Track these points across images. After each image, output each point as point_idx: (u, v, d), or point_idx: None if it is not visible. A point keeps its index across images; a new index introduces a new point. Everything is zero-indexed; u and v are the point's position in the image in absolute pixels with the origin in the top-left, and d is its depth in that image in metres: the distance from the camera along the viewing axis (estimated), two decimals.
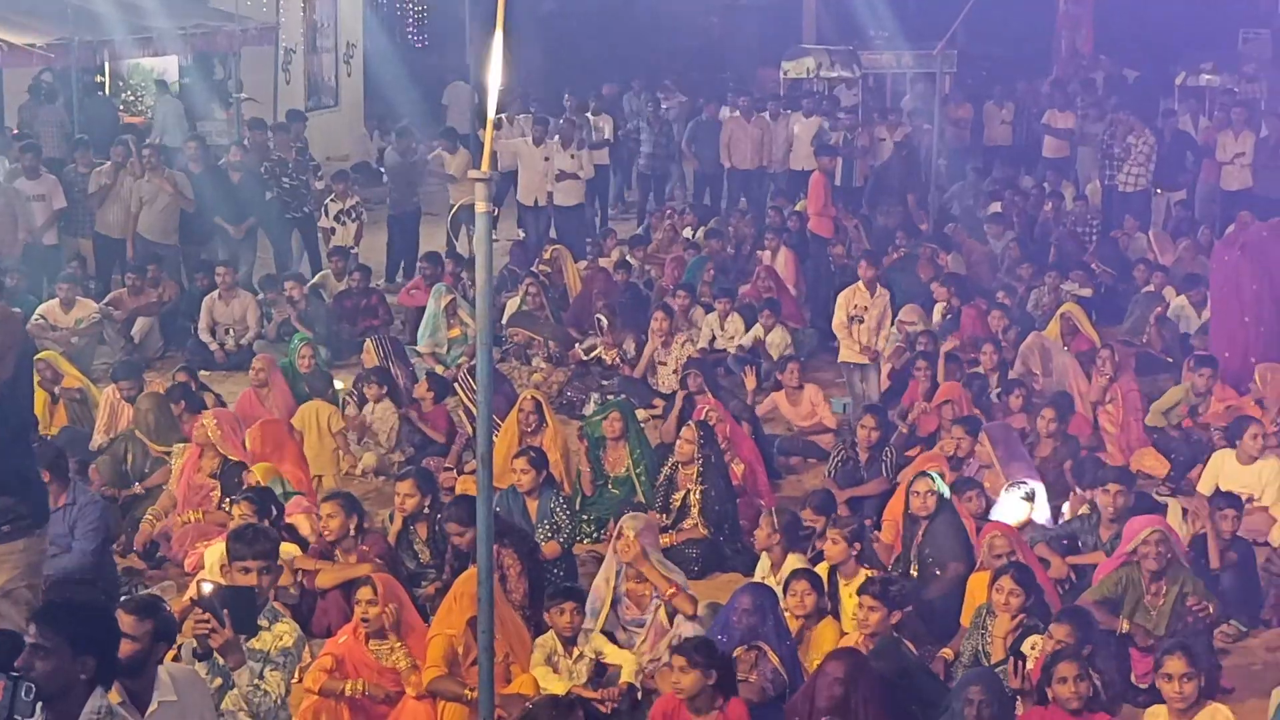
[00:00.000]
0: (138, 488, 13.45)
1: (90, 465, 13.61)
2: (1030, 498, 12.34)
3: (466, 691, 9.10)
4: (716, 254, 21.34)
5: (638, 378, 17.16)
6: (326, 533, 11.16)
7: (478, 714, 8.13)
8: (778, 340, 17.90)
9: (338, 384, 16.20)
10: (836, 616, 10.43)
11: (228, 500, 12.17)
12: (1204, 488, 13.40)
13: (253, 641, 8.36)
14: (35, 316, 17.32)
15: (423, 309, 18.45)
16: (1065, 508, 12.94)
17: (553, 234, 23.02)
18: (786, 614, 10.01)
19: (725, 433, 13.54)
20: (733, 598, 9.91)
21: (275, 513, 11.29)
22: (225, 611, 7.91)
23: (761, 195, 26.48)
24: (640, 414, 15.42)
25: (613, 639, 10.50)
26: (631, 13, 36.86)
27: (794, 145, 26.21)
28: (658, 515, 12.73)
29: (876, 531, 12.43)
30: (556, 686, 9.60)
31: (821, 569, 10.79)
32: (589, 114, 27.08)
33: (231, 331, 18.44)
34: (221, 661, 8.02)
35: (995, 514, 12.11)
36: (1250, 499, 13.08)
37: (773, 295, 19.21)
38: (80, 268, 19.88)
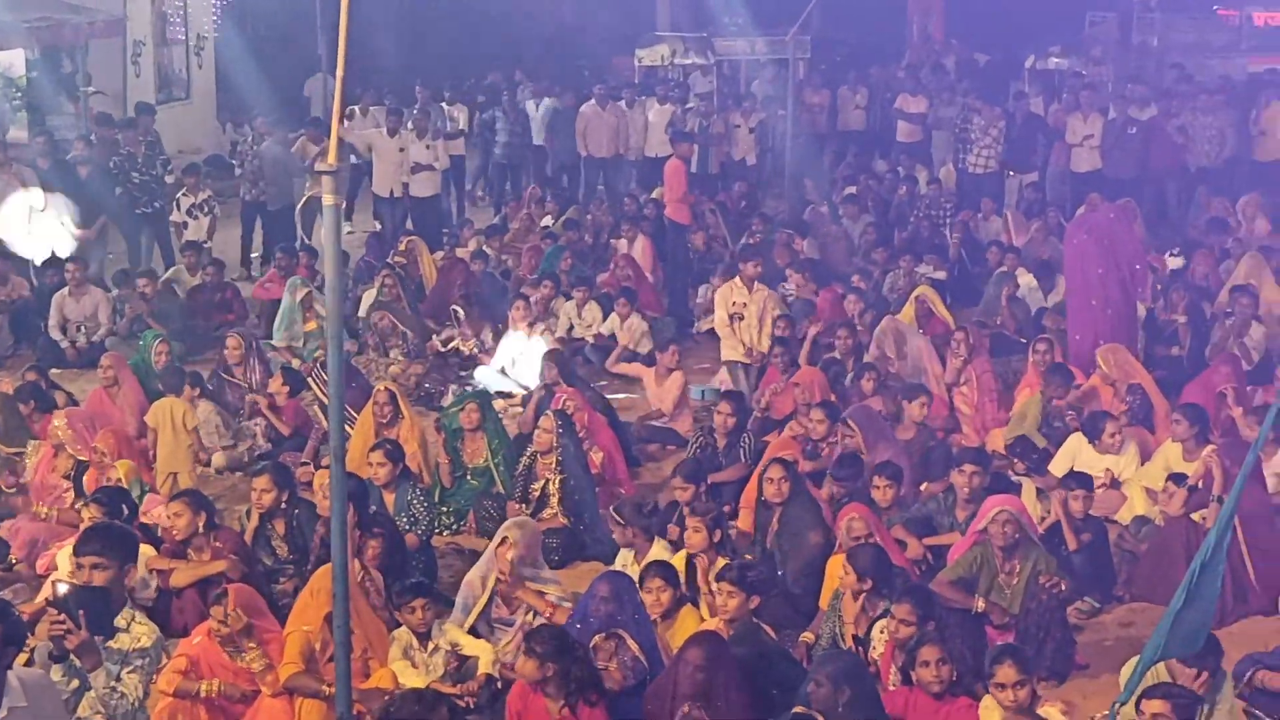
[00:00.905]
0: None
1: None
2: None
3: (324, 687, 9.03)
4: (574, 243, 21.34)
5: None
6: (175, 531, 11.02)
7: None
8: (633, 329, 17.91)
9: None
10: (696, 604, 10.45)
11: (80, 502, 12.00)
12: (1057, 469, 13.57)
13: (110, 643, 8.23)
14: None
15: (278, 302, 18.27)
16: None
17: (409, 225, 22.88)
18: (648, 609, 10.02)
19: (583, 422, 13.54)
20: (591, 586, 9.90)
21: (128, 512, 11.14)
22: (80, 613, 7.77)
23: (619, 183, 26.50)
24: (499, 404, 15.39)
25: (474, 631, 10.49)
26: (486, 3, 36.74)
27: (649, 133, 26.25)
28: (517, 505, 12.73)
29: (734, 521, 12.47)
30: (414, 680, 9.57)
31: (680, 557, 10.82)
32: (444, 104, 26.96)
33: (83, 329, 18.16)
34: (78, 663, 7.89)
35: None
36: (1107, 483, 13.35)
37: (630, 284, 19.24)
38: None
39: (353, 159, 22.72)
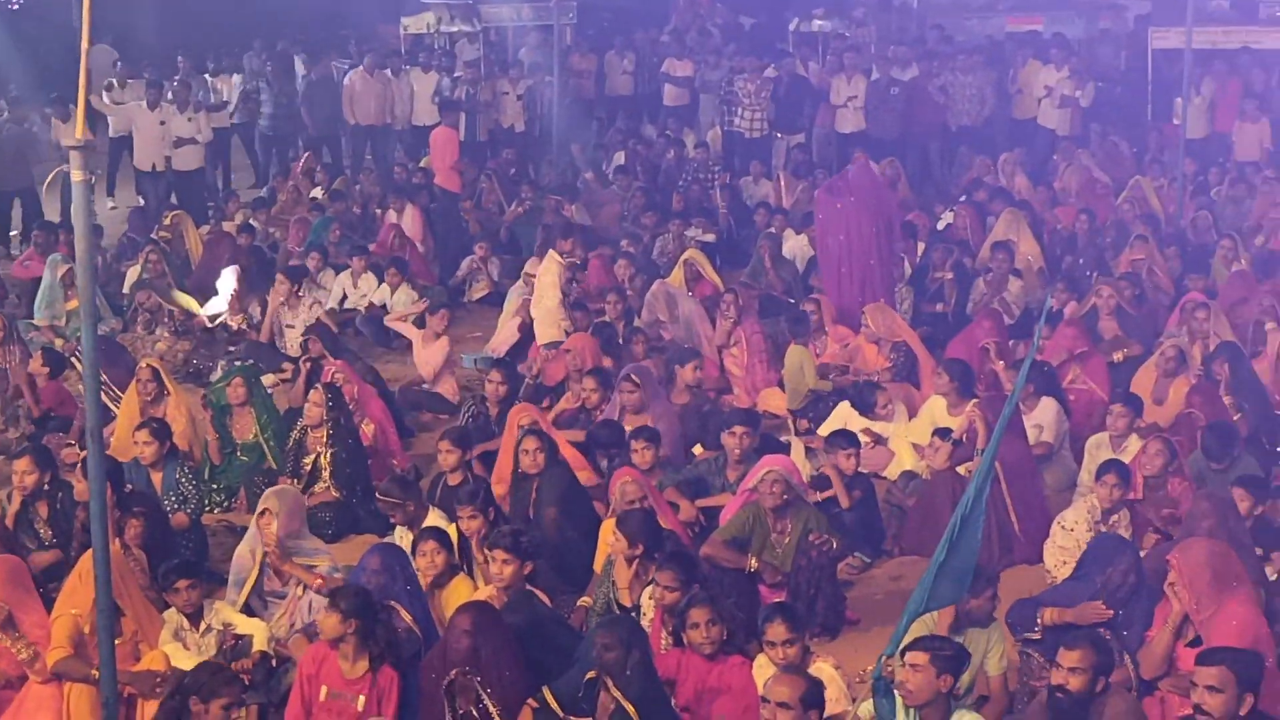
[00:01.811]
0: None
1: None
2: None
3: (93, 672, 8.85)
4: (342, 214, 21.12)
5: (264, 342, 16.88)
6: None
7: None
8: (404, 298, 17.79)
9: None
10: (469, 572, 10.43)
11: None
12: (825, 429, 13.75)
13: None
14: None
15: (38, 281, 17.84)
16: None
17: (173, 200, 22.47)
18: (418, 574, 9.99)
19: (353, 394, 13.43)
20: (363, 559, 9.82)
21: None
22: None
23: (387, 153, 26.27)
24: (269, 379, 15.20)
25: (249, 606, 10.37)
26: None
27: (416, 101, 26.04)
28: (289, 480, 12.59)
29: None
30: (186, 662, 9.41)
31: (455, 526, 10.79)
32: (207, 75, 26.51)
33: None
34: None
35: None
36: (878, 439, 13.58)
37: (400, 254, 19.11)
38: None
39: (111, 134, 22.29)
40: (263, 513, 10.55)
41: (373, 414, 13.55)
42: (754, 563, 10.61)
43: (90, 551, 9.23)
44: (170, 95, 22.87)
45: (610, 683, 8.24)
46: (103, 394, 11.23)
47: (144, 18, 29.80)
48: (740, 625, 9.39)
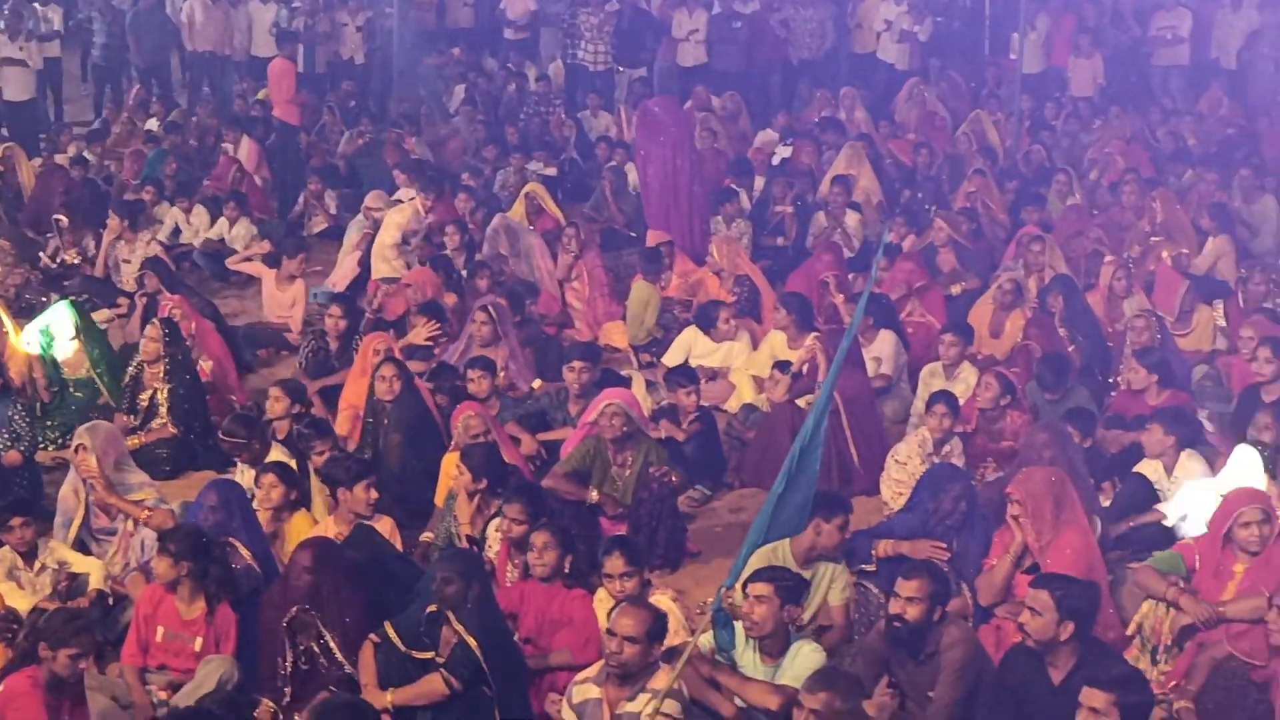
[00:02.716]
0: None
1: None
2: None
3: None
4: (178, 147, 20.77)
5: (99, 277, 16.59)
6: None
7: None
8: (242, 233, 17.57)
9: None
10: (309, 507, 10.37)
11: None
12: (671, 360, 13.80)
13: None
14: None
15: None
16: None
17: (4, 131, 21.99)
18: (257, 508, 9.91)
19: (190, 330, 13.23)
20: (200, 495, 9.72)
21: None
22: None
23: (225, 84, 25.84)
24: (105, 314, 14.97)
25: (81, 545, 10.23)
26: None
27: (254, 32, 25.60)
28: (125, 417, 12.40)
29: None
30: (21, 601, 9.30)
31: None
32: (36, 4, 25.91)
33: None
34: None
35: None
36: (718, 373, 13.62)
37: (238, 187, 18.85)
38: None
39: None
40: (77, 449, 10.38)
41: (211, 350, 13.35)
42: (595, 495, 10.65)
43: None
44: (1, 25, 22.32)
45: (451, 616, 8.23)
46: None
47: None
48: (582, 557, 9.43)
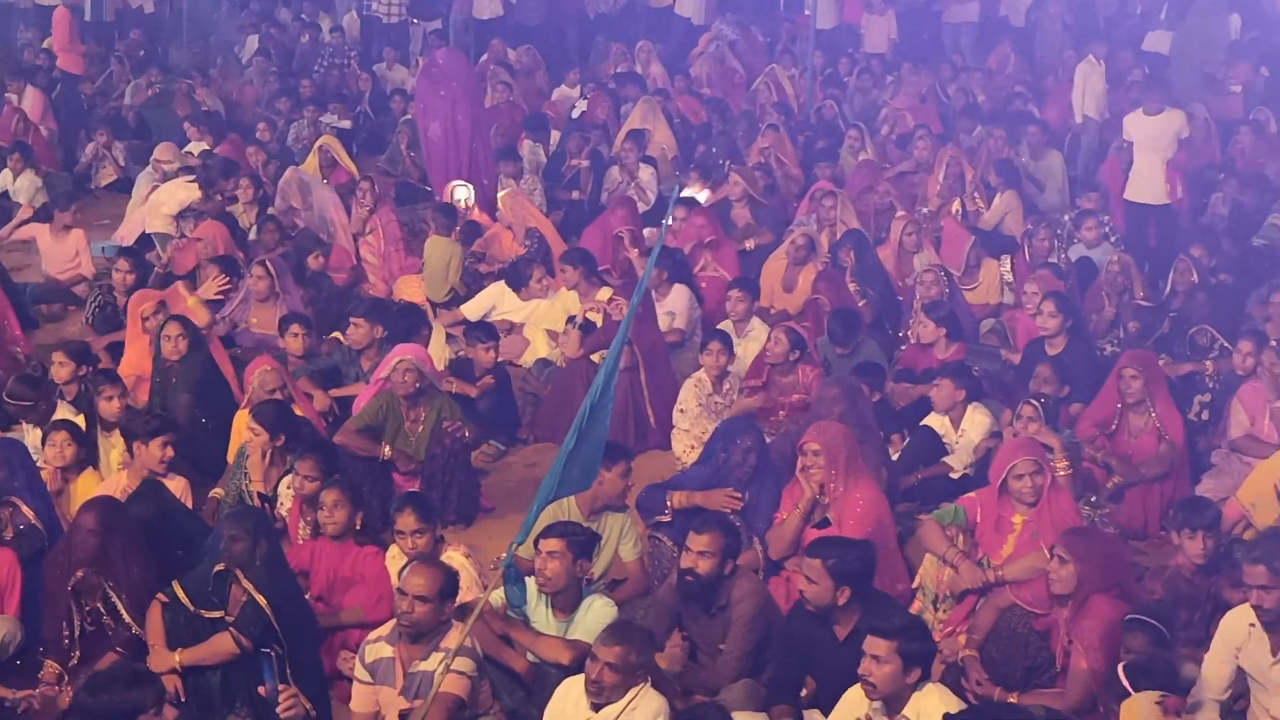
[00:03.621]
0: None
1: None
2: None
3: None
4: None
5: None
6: None
7: None
8: (26, 185, 17.16)
9: None
10: (96, 466, 10.20)
11: None
12: (472, 312, 13.78)
13: None
14: None
15: None
16: None
17: None
18: (44, 466, 9.73)
19: None
20: None
21: None
22: None
23: (9, 32, 25.21)
24: None
25: None
26: None
27: None
28: None
29: None
30: None
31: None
32: None
33: None
34: None
35: None
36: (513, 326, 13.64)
37: (23, 138, 18.42)
38: None
39: None
40: None
41: None
42: (387, 451, 10.59)
43: None
44: None
45: (240, 574, 8.13)
46: None
47: None
48: (374, 514, 9.38)
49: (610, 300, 12.82)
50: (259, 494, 9.98)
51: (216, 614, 8.24)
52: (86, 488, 9.77)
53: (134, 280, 13.43)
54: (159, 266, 14.29)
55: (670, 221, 10.51)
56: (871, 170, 17.09)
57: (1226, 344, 12.40)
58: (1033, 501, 9.21)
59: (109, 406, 10.54)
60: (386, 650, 7.84)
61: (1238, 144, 18.60)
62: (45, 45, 22.31)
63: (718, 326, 12.95)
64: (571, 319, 12.76)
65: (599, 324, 12.64)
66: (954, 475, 10.82)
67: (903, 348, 13.29)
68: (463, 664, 7.57)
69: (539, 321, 13.68)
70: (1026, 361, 12.24)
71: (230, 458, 10.65)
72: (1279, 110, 19.61)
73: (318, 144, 17.64)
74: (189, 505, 9.77)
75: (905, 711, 7.21)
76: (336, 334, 12.82)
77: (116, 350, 12.58)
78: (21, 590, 8.62)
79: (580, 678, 7.48)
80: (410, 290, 14.75)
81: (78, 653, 8.52)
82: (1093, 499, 10.55)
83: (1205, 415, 12.15)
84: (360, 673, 7.91)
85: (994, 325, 13.84)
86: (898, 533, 9.68)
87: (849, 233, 14.64)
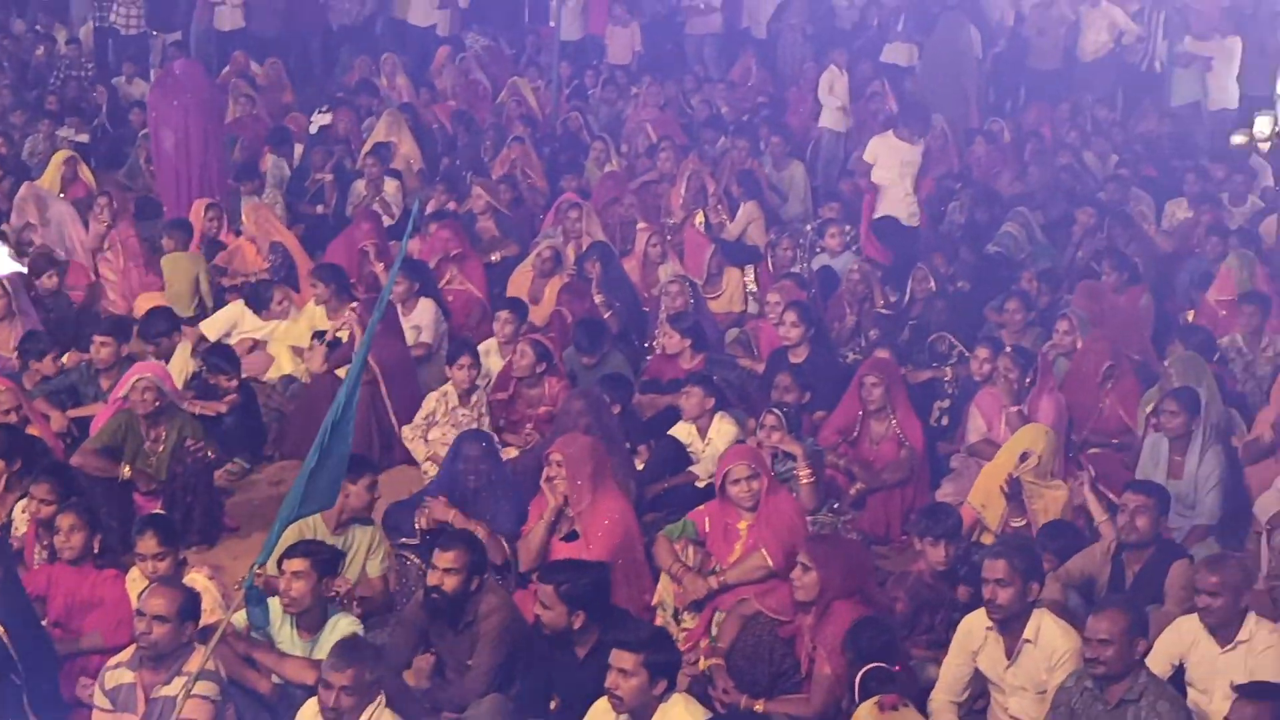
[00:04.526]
0: None
1: None
2: None
3: None
4: None
5: None
6: None
7: None
8: None
9: None
10: None
11: None
12: (211, 332, 13.61)
13: None
14: None
15: None
16: None
17: None
18: None
19: None
20: None
21: None
22: None
23: None
24: None
25: None
26: None
27: None
28: None
29: None
30: None
31: None
32: None
33: None
34: None
35: None
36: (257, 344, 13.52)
37: None
38: None
39: None
40: None
41: None
42: (127, 471, 10.41)
43: None
44: None
45: None
46: None
47: None
48: (114, 536, 9.22)
49: (350, 310, 12.71)
50: None
51: None
52: None
53: None
54: None
55: (409, 236, 10.36)
56: (617, 182, 17.16)
57: (965, 350, 12.69)
58: (751, 506, 9.33)
59: None
60: (127, 676, 7.71)
61: (973, 153, 19.08)
62: None
63: (480, 346, 12.91)
64: (319, 334, 12.64)
65: (343, 339, 12.56)
66: (700, 484, 10.91)
67: (649, 358, 13.40)
68: (205, 688, 7.48)
69: (283, 338, 13.52)
70: (769, 370, 12.42)
71: None
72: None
73: (55, 158, 17.24)
74: None
75: None
76: (75, 352, 12.56)
77: None
78: None
79: None
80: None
81: None
82: (835, 505, 10.76)
83: (945, 421, 12.45)
84: (100, 700, 7.77)
85: (738, 335, 13.98)
86: (644, 544, 9.75)
87: (594, 245, 14.69)
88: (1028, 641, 8.13)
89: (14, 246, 14.52)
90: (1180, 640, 8.26)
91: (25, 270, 13.92)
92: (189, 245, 14.89)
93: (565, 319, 13.10)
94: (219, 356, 12.24)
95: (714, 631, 9.05)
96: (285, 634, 8.32)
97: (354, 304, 12.87)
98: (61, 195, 16.29)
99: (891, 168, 16.40)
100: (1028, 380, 11.54)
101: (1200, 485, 10.52)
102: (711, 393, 11.34)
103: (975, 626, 8.34)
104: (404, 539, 9.82)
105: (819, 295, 14.36)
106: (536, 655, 8.28)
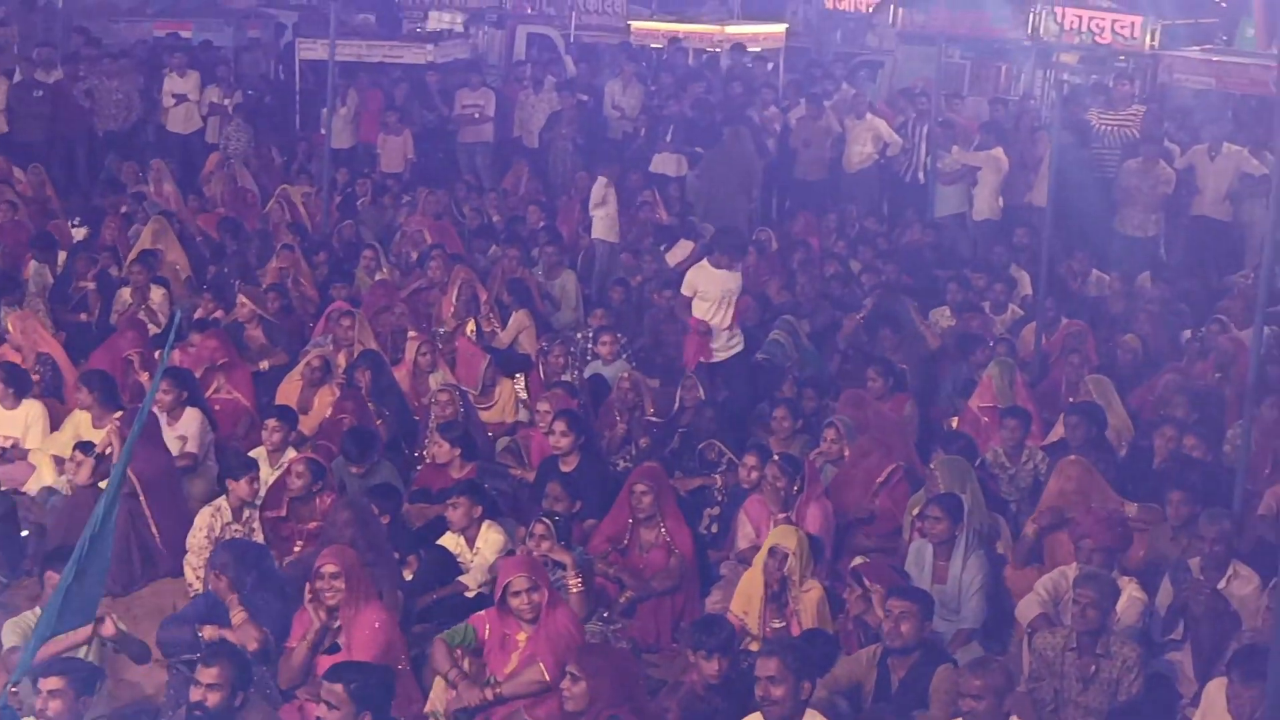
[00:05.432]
0: None
1: None
2: None
3: None
4: None
5: None
6: None
7: None
8: None
9: None
10: None
11: None
12: None
13: None
14: None
15: None
16: None
17: None
18: None
19: None
20: None
21: None
22: None
23: None
24: None
25: None
26: None
27: None
28: None
29: None
30: None
31: None
32: None
33: None
34: None
35: None
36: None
37: None
38: None
39: None
40: None
41: None
42: None
43: None
44: None
45: None
46: None
47: None
48: None
49: (114, 421, 12.46)
50: None
51: None
52: None
53: None
54: None
55: (170, 346, 10.14)
56: (388, 290, 17.09)
57: (734, 458, 12.79)
58: (531, 618, 9.32)
59: None
60: None
61: (747, 263, 19.27)
62: None
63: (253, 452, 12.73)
64: (80, 444, 12.37)
65: (106, 451, 12.30)
66: (469, 594, 10.86)
67: (418, 468, 13.32)
68: None
69: (46, 447, 13.23)
70: (540, 479, 12.40)
71: None
72: None
73: None
74: None
75: None
76: None
77: None
78: None
79: None
80: None
81: None
82: (605, 614, 10.75)
83: (715, 528, 12.51)
84: None
85: (509, 443, 13.96)
86: (411, 656, 9.66)
87: (365, 352, 14.61)
88: None
89: None
90: None
91: None
92: None
93: (340, 428, 12.97)
94: None
95: None
96: None
97: (118, 414, 12.64)
98: None
99: (713, 298, 15.73)
100: (795, 488, 11.64)
101: (964, 590, 10.73)
102: (479, 502, 11.32)
103: None
104: (186, 656, 9.53)
105: (590, 403, 14.40)
106: None
